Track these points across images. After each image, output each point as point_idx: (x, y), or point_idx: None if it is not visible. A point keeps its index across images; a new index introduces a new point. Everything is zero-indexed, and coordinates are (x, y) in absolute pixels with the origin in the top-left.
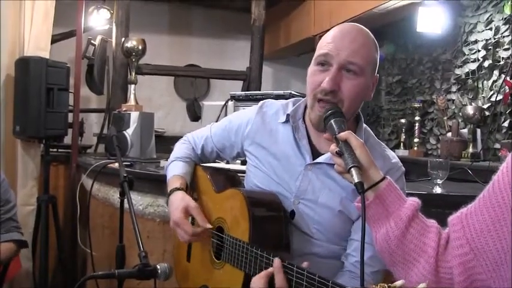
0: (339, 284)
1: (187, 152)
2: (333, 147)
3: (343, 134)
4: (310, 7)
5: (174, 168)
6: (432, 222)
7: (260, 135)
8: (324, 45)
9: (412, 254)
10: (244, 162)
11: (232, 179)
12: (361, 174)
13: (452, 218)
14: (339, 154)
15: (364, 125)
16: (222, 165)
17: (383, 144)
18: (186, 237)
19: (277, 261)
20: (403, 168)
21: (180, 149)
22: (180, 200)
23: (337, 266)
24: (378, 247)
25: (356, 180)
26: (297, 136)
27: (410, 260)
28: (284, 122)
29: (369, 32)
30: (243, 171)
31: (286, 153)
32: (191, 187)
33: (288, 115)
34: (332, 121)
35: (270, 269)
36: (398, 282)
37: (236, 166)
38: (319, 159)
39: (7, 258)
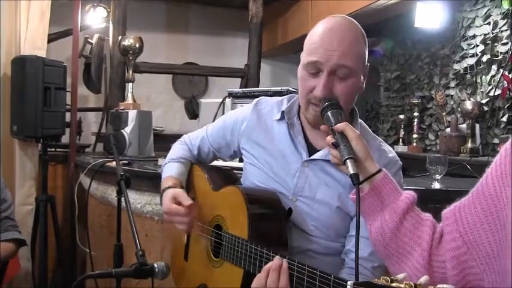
0: (340, 277)
1: (183, 153)
2: (329, 138)
3: (339, 126)
4: (307, 4)
5: (169, 170)
6: (427, 216)
7: (256, 132)
8: (312, 49)
9: (406, 247)
10: (242, 160)
11: (229, 177)
12: (357, 166)
13: (445, 212)
14: (335, 145)
15: (360, 120)
16: (220, 163)
17: (379, 138)
18: (183, 220)
19: (284, 263)
20: (400, 163)
21: (176, 150)
22: (170, 193)
23: (336, 263)
24: (372, 240)
25: (351, 171)
26: (292, 133)
27: (404, 253)
28: (279, 119)
29: (356, 23)
30: (242, 169)
31: (282, 151)
32: (188, 186)
33: (282, 112)
34: (329, 113)
35: (269, 265)
36: (401, 275)
37: (235, 164)
38: (315, 156)
39: (6, 257)
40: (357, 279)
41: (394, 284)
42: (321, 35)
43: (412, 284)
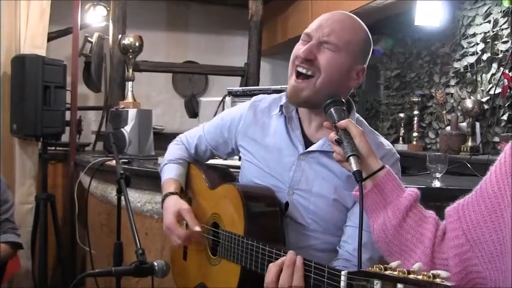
0: (334, 268)
1: (181, 153)
2: (332, 135)
3: (342, 122)
4: (307, 2)
5: (168, 172)
6: (430, 213)
7: (252, 129)
8: (310, 24)
9: (408, 245)
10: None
11: (226, 175)
12: (360, 162)
13: (448, 209)
14: (338, 142)
15: (357, 115)
16: (219, 161)
17: (376, 132)
18: (178, 241)
19: (299, 259)
20: (398, 155)
21: (173, 150)
22: (173, 205)
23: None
24: (375, 236)
25: (354, 168)
26: (289, 127)
27: (406, 251)
28: (277, 114)
29: (361, 22)
30: (239, 167)
31: (278, 145)
32: (186, 185)
33: (281, 106)
34: (332, 109)
35: (282, 261)
36: (394, 263)
37: (233, 162)
38: (312, 148)
39: (2, 259)
40: (360, 267)
41: (387, 272)
42: (321, 18)
43: (406, 271)
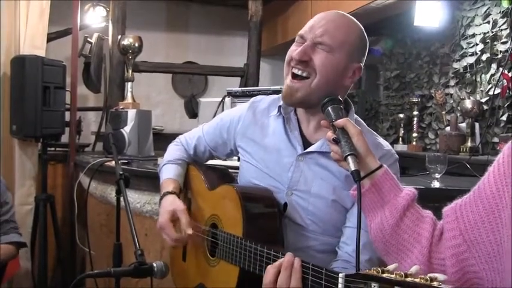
0: (332, 270)
1: (179, 154)
2: (330, 134)
3: (340, 121)
4: (307, 3)
5: (167, 172)
6: (427, 213)
7: (251, 130)
8: (304, 26)
9: (405, 244)
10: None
11: (225, 176)
12: (358, 162)
13: (446, 209)
14: (336, 141)
15: (356, 116)
16: (219, 162)
17: (374, 133)
18: (169, 241)
19: (297, 261)
20: (396, 156)
21: (172, 151)
22: (169, 204)
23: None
24: (372, 236)
25: (352, 168)
26: (288, 128)
27: (403, 250)
28: (276, 115)
29: (355, 20)
30: (238, 168)
31: (277, 146)
32: (185, 186)
33: (279, 107)
34: (329, 108)
35: (280, 263)
36: (392, 266)
37: (232, 163)
38: (310, 149)
39: (6, 259)
40: (358, 269)
41: (385, 274)
42: (314, 18)
43: (403, 274)
